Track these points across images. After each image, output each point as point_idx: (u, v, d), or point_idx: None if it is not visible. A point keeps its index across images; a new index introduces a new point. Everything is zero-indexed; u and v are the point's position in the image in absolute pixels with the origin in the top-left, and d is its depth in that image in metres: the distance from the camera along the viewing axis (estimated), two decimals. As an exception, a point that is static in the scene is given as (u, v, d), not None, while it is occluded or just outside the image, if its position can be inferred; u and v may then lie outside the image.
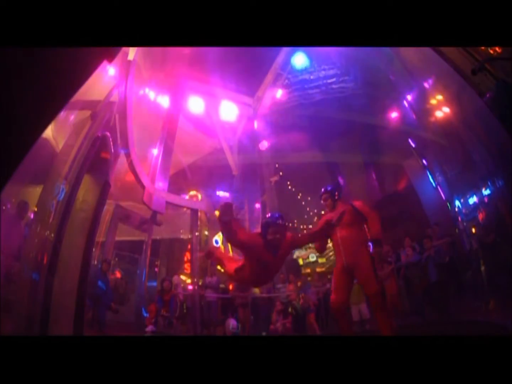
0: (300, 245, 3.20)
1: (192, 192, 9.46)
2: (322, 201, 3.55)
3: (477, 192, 5.26)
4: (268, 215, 2.98)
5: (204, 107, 8.67)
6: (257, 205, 9.59)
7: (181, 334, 6.35)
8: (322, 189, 3.58)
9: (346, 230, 3.24)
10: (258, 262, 2.75)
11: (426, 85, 5.93)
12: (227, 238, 2.83)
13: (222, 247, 9.03)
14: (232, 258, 3.27)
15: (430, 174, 6.84)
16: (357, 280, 3.24)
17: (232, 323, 6.45)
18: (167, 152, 7.78)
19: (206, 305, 7.09)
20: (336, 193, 3.50)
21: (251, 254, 2.78)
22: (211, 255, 3.51)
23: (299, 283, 7.45)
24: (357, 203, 3.36)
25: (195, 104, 8.56)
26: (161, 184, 7.48)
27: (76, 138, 4.21)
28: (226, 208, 2.52)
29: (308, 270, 9.63)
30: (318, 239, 3.34)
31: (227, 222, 2.50)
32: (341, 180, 9.70)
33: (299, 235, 3.19)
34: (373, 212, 3.27)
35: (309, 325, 6.36)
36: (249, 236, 2.81)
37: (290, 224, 9.86)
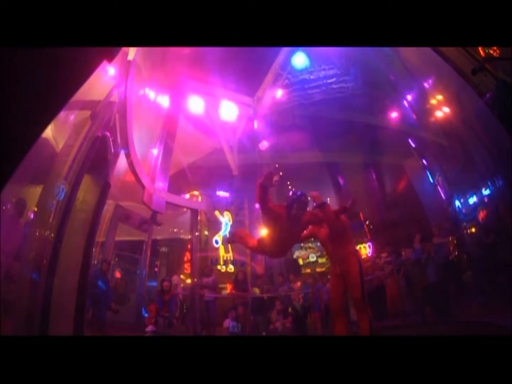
0: (314, 221, 3.51)
1: (192, 192, 9.44)
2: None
3: (477, 192, 5.26)
4: (291, 193, 3.30)
5: (204, 107, 8.65)
6: (257, 205, 9.55)
7: (181, 334, 6.35)
8: (315, 204, 3.85)
9: (337, 242, 3.59)
10: (280, 231, 3.19)
11: (426, 85, 5.93)
12: (261, 202, 3.15)
13: (222, 247, 9.03)
14: (253, 236, 3.63)
15: (430, 174, 6.84)
16: (346, 284, 3.54)
17: (229, 324, 6.44)
18: (167, 152, 7.77)
19: (204, 305, 7.08)
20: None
21: (275, 223, 3.21)
22: (235, 236, 3.92)
23: (299, 283, 7.44)
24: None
25: (195, 104, 8.53)
26: (161, 184, 7.47)
27: (76, 138, 4.21)
28: (269, 176, 2.99)
29: (308, 270, 9.62)
30: (326, 223, 3.59)
31: (266, 188, 3.00)
32: (341, 180, 9.70)
33: (315, 214, 3.45)
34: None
35: (313, 324, 6.35)
36: (276, 206, 3.25)
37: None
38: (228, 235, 4.52)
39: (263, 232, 3.53)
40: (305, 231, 3.71)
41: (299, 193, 3.23)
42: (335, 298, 3.60)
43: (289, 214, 3.14)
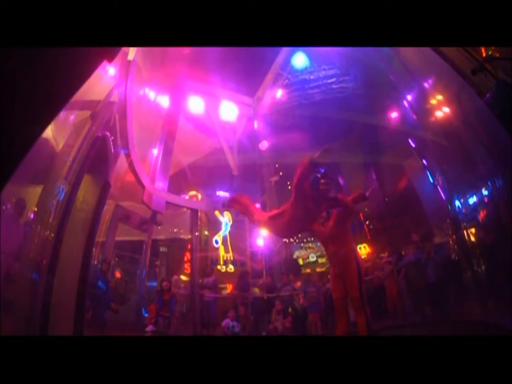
0: (334, 204, 3.45)
1: (192, 192, 9.44)
2: None
3: (477, 192, 5.26)
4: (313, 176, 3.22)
5: (204, 107, 8.65)
6: (257, 205, 9.56)
7: (181, 334, 6.35)
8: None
9: (337, 243, 3.54)
10: (303, 209, 3.12)
11: (426, 85, 5.93)
12: (300, 179, 3.07)
13: (222, 247, 9.03)
14: (260, 209, 3.39)
15: (430, 174, 6.83)
16: (345, 283, 3.52)
17: (228, 324, 6.43)
18: (167, 152, 7.77)
19: (204, 305, 7.08)
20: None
21: (300, 200, 3.11)
22: (235, 202, 3.65)
23: (299, 283, 7.44)
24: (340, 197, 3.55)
25: (195, 104, 8.53)
26: (161, 184, 7.47)
27: (76, 138, 4.21)
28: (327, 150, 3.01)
29: (308, 270, 9.62)
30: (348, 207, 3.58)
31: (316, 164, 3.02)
32: (341, 180, 9.69)
33: (339, 196, 3.43)
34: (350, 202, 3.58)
35: (312, 324, 6.35)
36: (306, 184, 3.14)
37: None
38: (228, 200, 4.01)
39: (278, 209, 3.39)
40: (311, 227, 3.68)
41: (322, 170, 3.18)
42: (338, 298, 3.57)
43: (314, 192, 3.11)
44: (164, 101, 8.04)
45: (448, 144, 5.79)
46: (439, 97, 5.61)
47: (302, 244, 10.10)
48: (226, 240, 9.05)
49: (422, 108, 6.37)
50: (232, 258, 8.93)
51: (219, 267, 8.78)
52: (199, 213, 8.58)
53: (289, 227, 3.38)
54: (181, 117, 8.40)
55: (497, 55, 3.30)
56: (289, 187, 10.01)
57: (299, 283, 7.42)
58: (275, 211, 3.41)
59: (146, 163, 7.30)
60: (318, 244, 8.79)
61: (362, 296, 3.39)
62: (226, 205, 3.79)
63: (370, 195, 3.53)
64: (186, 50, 7.26)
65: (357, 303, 3.42)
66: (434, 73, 5.22)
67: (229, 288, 8.13)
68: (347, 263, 3.47)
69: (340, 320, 3.51)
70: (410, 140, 7.23)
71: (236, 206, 3.74)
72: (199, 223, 8.58)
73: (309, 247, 10.04)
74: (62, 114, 3.62)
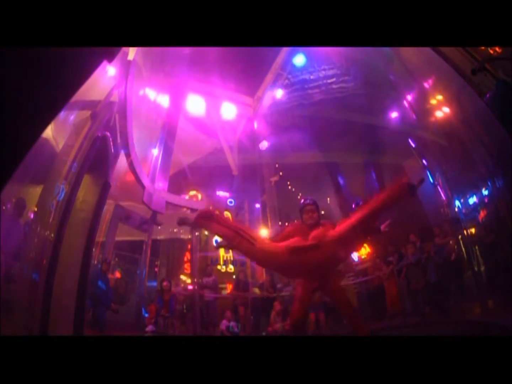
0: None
1: (192, 192, 9.44)
2: (305, 214, 3.05)
3: (477, 192, 5.26)
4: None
5: (204, 107, 8.66)
6: (257, 205, 9.57)
7: (181, 334, 6.35)
8: (303, 201, 3.22)
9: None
10: (350, 242, 2.77)
11: (426, 85, 5.93)
12: (388, 206, 2.89)
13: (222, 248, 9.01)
14: (259, 234, 3.02)
15: (430, 174, 6.83)
16: (327, 295, 3.39)
17: (226, 325, 6.42)
18: (167, 152, 7.77)
19: (204, 305, 7.08)
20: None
21: (357, 227, 2.76)
22: (205, 218, 2.70)
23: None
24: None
25: (195, 104, 8.54)
26: (161, 184, 7.47)
27: (76, 138, 4.21)
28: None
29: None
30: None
31: (414, 192, 2.72)
32: (341, 180, 9.70)
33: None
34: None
35: (313, 324, 6.33)
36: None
37: (290, 224, 9.82)
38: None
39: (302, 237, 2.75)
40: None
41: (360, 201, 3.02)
42: (299, 312, 3.09)
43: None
44: (164, 101, 8.04)
45: (448, 144, 5.79)
46: (439, 97, 5.62)
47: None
48: (226, 240, 9.03)
49: (422, 108, 6.37)
50: (232, 258, 8.93)
51: (219, 267, 8.78)
52: (199, 213, 8.55)
53: (326, 268, 2.67)
54: (181, 117, 8.41)
55: (497, 55, 3.30)
56: (289, 187, 10.01)
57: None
58: (299, 240, 2.65)
59: (146, 163, 7.30)
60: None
61: (355, 310, 3.28)
62: (192, 224, 2.53)
63: (385, 229, 3.20)
64: (186, 50, 7.26)
65: (352, 318, 3.18)
66: (434, 73, 5.23)
67: (229, 288, 8.13)
68: (334, 279, 3.20)
69: (301, 329, 3.21)
70: (410, 140, 7.23)
71: (211, 225, 2.65)
72: (199, 223, 8.54)
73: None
74: (62, 114, 3.62)
